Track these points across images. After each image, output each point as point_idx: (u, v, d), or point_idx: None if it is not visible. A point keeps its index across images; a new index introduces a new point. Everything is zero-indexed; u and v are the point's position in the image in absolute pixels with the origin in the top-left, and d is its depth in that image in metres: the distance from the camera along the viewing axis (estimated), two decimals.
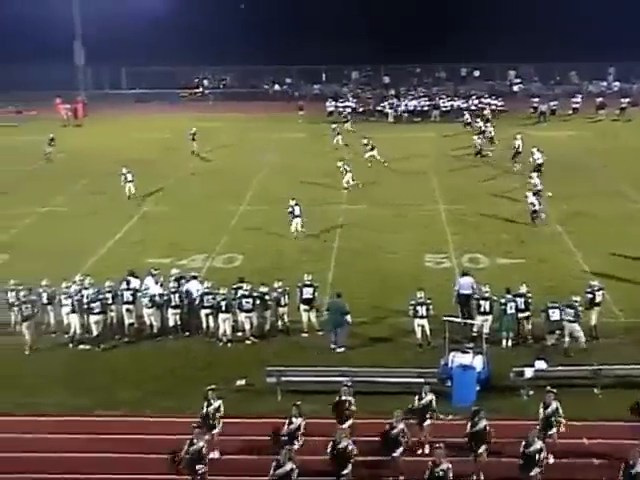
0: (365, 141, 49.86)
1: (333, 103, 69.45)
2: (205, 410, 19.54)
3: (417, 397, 19.70)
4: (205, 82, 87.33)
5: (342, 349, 25.00)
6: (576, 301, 24.30)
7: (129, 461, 19.56)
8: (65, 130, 64.48)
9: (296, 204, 36.00)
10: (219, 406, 19.59)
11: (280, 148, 53.77)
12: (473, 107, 67.04)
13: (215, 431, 19.47)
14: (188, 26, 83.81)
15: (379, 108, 69.01)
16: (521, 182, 41.60)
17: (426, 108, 67.94)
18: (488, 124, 55.65)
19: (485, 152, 50.37)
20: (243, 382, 22.70)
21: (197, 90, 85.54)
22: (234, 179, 45.15)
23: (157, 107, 75.06)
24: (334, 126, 54.70)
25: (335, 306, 25.39)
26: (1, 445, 20.12)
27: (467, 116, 62.05)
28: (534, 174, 40.38)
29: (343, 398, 19.66)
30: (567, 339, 24.21)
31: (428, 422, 19.63)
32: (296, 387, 21.94)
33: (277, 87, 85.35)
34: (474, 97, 69.66)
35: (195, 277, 27.57)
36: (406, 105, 68.73)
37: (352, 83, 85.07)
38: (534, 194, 37.44)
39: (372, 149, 48.92)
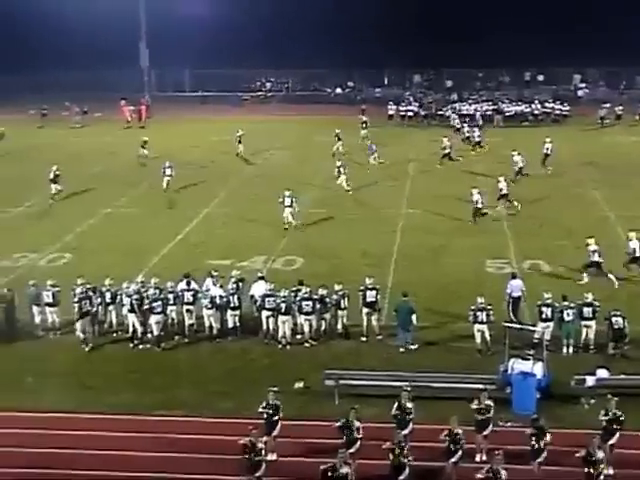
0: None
1: (394, 107, 69.28)
2: (265, 411, 19.61)
3: (475, 403, 19.56)
4: (268, 85, 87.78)
5: (413, 347, 25.09)
6: None
7: (188, 461, 19.69)
8: (128, 132, 65.38)
9: (289, 195, 37.58)
10: (279, 408, 19.64)
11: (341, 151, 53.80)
12: (536, 112, 66.58)
13: (274, 433, 19.54)
14: (251, 29, 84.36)
15: (441, 112, 68.73)
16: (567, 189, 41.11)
17: (489, 112, 67.49)
18: (475, 129, 56.00)
19: (456, 157, 50.39)
20: (301, 385, 22.75)
21: (260, 93, 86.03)
22: (294, 181, 45.22)
23: (220, 109, 75.60)
24: (337, 131, 54.48)
25: (403, 306, 25.39)
26: (64, 442, 20.42)
27: (457, 121, 61.20)
28: (501, 178, 40.27)
29: (403, 403, 19.59)
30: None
31: (488, 429, 19.46)
32: (354, 391, 21.95)
33: (339, 90, 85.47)
34: (537, 102, 68.99)
35: (262, 277, 27.74)
36: (468, 109, 68.33)
37: (414, 87, 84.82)
38: (479, 192, 38.10)
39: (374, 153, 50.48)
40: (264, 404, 19.68)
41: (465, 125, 58.70)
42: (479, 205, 37.70)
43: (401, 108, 68.88)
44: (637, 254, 30.15)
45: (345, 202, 41.66)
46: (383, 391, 21.51)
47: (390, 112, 68.49)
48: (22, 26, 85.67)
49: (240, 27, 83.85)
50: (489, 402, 19.54)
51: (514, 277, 27.34)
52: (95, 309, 26.31)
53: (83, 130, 66.86)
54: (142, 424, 21.25)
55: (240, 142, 53.26)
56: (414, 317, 25.21)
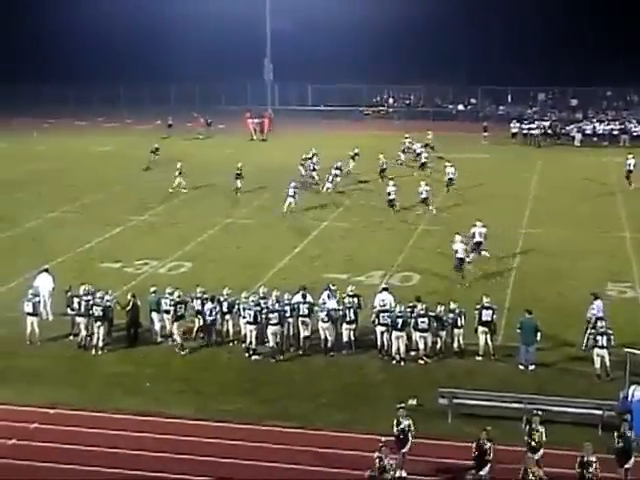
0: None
1: (518, 124, 68.45)
2: (395, 429, 19.52)
3: (616, 434, 18.91)
4: (390, 100, 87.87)
5: (532, 367, 24.74)
6: None
7: (298, 472, 19.80)
8: (251, 144, 66.43)
9: (294, 187, 42.95)
10: (409, 425, 19.50)
11: (463, 169, 53.42)
12: None
13: (404, 450, 19.44)
14: (373, 44, 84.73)
15: (565, 131, 67.54)
16: None
17: (615, 132, 65.96)
18: (423, 149, 55.52)
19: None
20: (414, 402, 22.62)
21: (381, 108, 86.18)
22: (414, 198, 45.06)
23: (341, 124, 76.03)
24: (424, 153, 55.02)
25: (528, 323, 25.05)
26: (177, 447, 20.83)
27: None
28: (422, 183, 43.54)
29: (534, 426, 19.19)
30: None
31: (631, 461, 18.65)
32: (468, 410, 21.74)
33: (461, 107, 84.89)
34: None
35: (386, 289, 27.79)
36: (594, 128, 66.97)
37: (538, 105, 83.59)
38: (394, 185, 43.11)
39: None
40: (396, 421, 19.56)
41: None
42: (392, 197, 42.21)
43: (524, 126, 68.02)
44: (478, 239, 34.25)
45: (463, 219, 41.28)
46: (498, 412, 21.26)
47: (513, 130, 67.72)
48: (150, 40, 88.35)
49: (362, 42, 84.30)
50: (629, 432, 18.85)
51: (596, 298, 26.62)
52: (213, 318, 26.79)
53: (207, 141, 68.27)
54: (255, 433, 21.45)
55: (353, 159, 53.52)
56: (539, 335, 24.89)
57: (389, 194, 42.76)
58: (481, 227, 34.55)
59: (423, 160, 53.70)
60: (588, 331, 25.71)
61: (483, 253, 34.41)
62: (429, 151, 56.22)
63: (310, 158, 51.55)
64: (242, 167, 47.74)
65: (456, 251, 32.58)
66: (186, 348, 26.47)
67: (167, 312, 26.90)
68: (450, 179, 47.20)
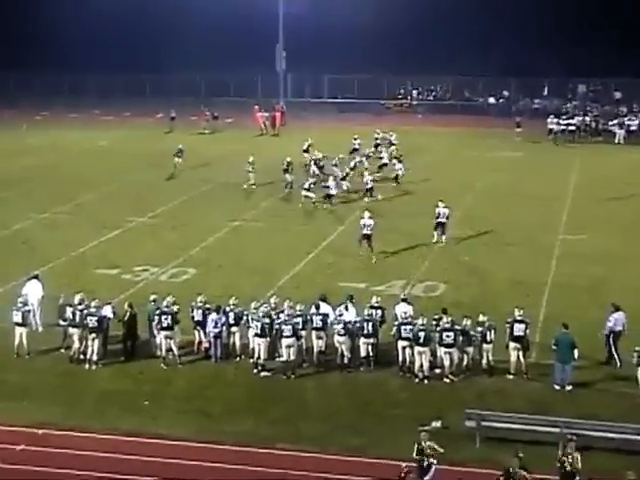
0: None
1: (555, 120, 68.22)
2: (416, 453, 19.45)
3: None
4: (414, 93, 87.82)
5: (569, 387, 24.69)
6: None
7: None
8: (261, 140, 66.52)
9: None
10: (432, 449, 19.44)
11: (493, 168, 53.47)
12: None
13: (426, 477, 19.35)
14: (395, 30, 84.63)
15: (607, 127, 67.36)
16: None
17: None
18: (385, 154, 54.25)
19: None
20: (439, 424, 22.52)
21: (404, 101, 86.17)
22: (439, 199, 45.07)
23: (360, 118, 75.97)
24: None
25: (564, 339, 25.00)
26: (178, 472, 20.78)
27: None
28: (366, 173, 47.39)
29: (569, 452, 19.08)
30: None
31: None
32: (498, 434, 21.66)
33: (492, 100, 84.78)
34: None
35: (405, 300, 27.79)
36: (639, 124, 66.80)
37: (578, 98, 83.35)
38: (335, 178, 46.00)
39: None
40: (416, 446, 19.48)
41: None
42: (331, 192, 44.55)
43: (562, 122, 67.84)
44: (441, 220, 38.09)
45: (495, 223, 41.26)
46: (531, 437, 21.18)
47: (550, 126, 67.51)
48: (151, 26, 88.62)
49: (383, 31, 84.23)
50: None
51: (617, 309, 26.62)
52: (218, 330, 26.78)
53: (213, 137, 68.42)
54: (262, 457, 21.42)
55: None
56: (576, 352, 24.81)
57: (328, 187, 45.09)
58: (443, 207, 38.17)
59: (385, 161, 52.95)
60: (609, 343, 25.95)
61: (443, 238, 38.13)
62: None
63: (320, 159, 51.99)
64: (291, 162, 49.32)
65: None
66: (182, 363, 26.52)
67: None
68: (397, 175, 49.40)
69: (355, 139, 56.58)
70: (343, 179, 47.65)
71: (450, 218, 38.57)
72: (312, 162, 50.89)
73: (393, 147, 55.30)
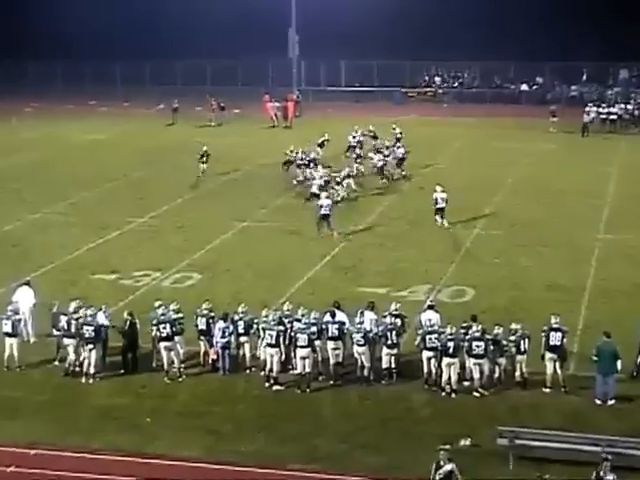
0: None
1: (594, 108, 68.02)
2: (433, 475, 19.34)
3: None
4: (437, 80, 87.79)
5: (612, 401, 24.57)
6: None
7: None
8: (272, 132, 66.58)
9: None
10: (452, 470, 19.31)
11: (526, 162, 53.35)
12: None
13: None
14: (418, 12, 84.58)
15: None
16: None
17: None
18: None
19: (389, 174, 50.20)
20: (467, 442, 22.50)
21: (428, 89, 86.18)
22: (468, 196, 45.01)
23: (380, 107, 75.95)
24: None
25: (606, 349, 24.91)
26: None
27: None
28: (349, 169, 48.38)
29: (602, 475, 19.01)
30: None
31: None
32: (533, 453, 21.59)
33: (525, 87, 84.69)
34: None
35: (432, 307, 27.83)
36: None
37: (619, 84, 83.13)
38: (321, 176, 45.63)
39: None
40: (435, 466, 19.38)
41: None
42: (314, 190, 43.47)
43: (602, 110, 67.64)
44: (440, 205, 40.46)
45: (528, 221, 41.21)
46: (570, 456, 21.09)
47: (588, 115, 67.29)
48: (152, 9, 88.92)
49: (405, 10, 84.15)
50: None
51: None
52: (226, 340, 26.76)
53: (219, 129, 68.48)
54: (274, 478, 21.37)
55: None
56: (619, 363, 24.74)
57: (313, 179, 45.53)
58: (441, 192, 40.49)
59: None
60: None
61: (445, 222, 40.33)
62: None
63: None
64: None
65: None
66: (182, 375, 26.54)
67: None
68: (379, 166, 49.69)
69: (354, 136, 54.70)
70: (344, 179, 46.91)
71: (448, 202, 40.68)
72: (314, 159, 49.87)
73: (378, 140, 54.80)
